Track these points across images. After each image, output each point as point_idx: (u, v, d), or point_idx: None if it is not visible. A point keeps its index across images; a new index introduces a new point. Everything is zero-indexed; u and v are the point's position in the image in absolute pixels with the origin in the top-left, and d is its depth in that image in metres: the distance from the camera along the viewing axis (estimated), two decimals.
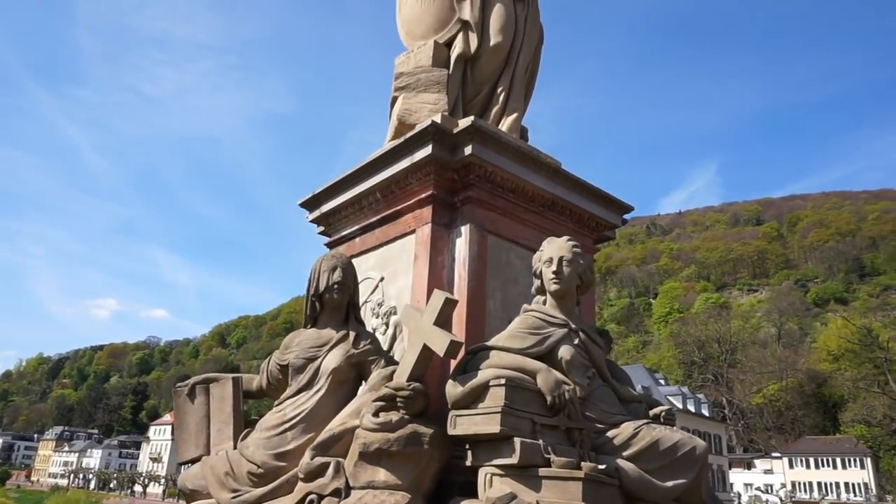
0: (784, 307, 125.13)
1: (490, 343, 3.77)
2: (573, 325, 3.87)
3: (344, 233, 5.28)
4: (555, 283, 3.87)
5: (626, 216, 5.51)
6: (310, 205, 5.48)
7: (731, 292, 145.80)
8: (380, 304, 4.79)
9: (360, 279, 4.52)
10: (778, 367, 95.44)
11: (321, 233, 5.59)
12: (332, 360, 4.06)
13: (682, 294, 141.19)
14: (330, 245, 5.45)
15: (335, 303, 4.19)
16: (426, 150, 4.33)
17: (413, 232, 4.60)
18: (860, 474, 69.83)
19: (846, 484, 69.69)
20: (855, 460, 70.97)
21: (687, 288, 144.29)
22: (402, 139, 4.54)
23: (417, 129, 4.45)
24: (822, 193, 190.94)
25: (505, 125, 5.15)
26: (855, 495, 67.16)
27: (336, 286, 4.13)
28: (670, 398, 61.82)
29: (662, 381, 75.38)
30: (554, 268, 3.87)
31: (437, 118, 4.58)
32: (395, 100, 5.19)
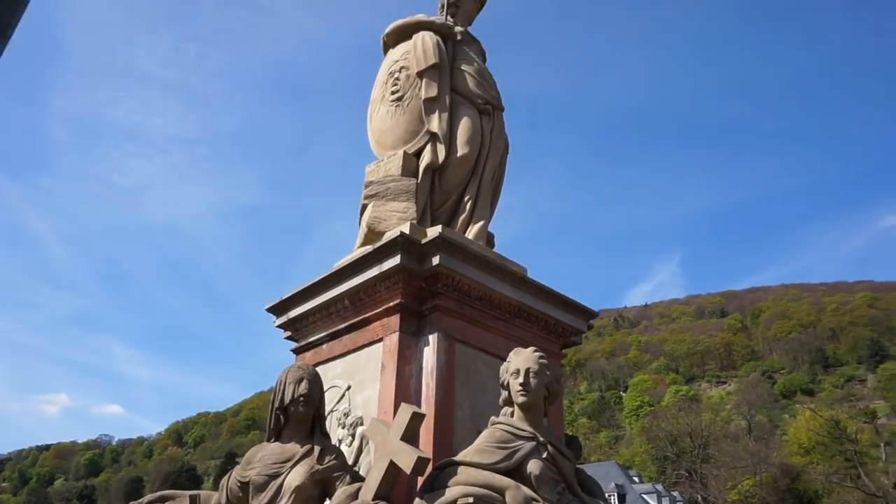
0: (753, 399, 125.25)
1: (458, 458, 3.69)
2: (541, 438, 3.82)
3: (311, 339, 5.23)
4: (522, 395, 3.86)
5: (591, 320, 5.60)
6: (277, 310, 5.45)
7: (700, 384, 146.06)
8: (346, 414, 4.68)
9: (326, 387, 4.44)
10: (751, 461, 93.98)
11: (288, 338, 5.52)
12: (295, 477, 3.90)
13: (653, 387, 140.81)
14: (296, 351, 5.38)
15: (300, 416, 4.08)
16: (395, 260, 4.40)
17: (381, 340, 4.59)
18: None
19: None
20: None
21: (657, 380, 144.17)
22: (371, 248, 4.61)
23: (387, 238, 4.54)
24: (781, 286, 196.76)
25: (472, 233, 5.29)
26: None
27: (302, 399, 4.04)
28: (645, 497, 60.22)
29: (636, 479, 73.65)
30: (521, 379, 3.87)
31: (406, 227, 4.69)
32: (364, 207, 5.31)
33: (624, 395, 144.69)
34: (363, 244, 5.15)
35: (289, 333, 5.52)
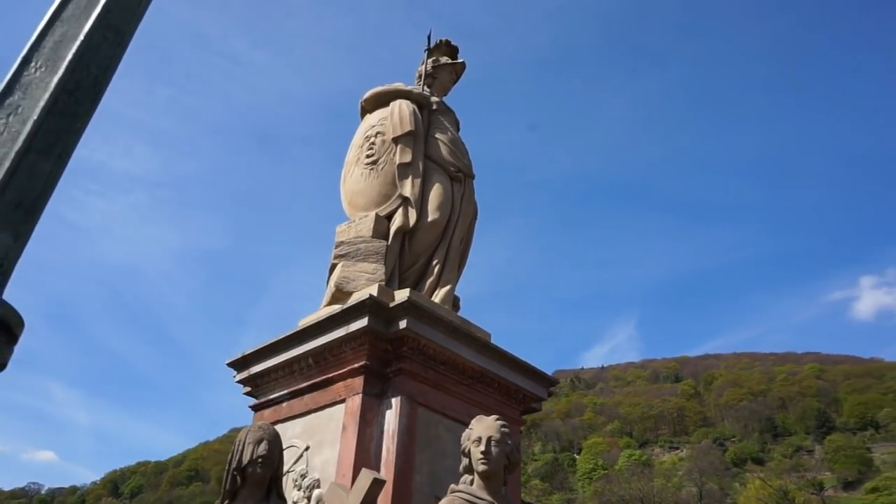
0: (704, 466, 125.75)
1: None
2: None
3: (271, 396, 5.17)
4: (483, 463, 3.89)
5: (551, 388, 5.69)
6: (238, 365, 5.39)
7: (653, 449, 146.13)
8: (303, 476, 4.60)
9: (284, 447, 4.39)
10: None
11: (247, 393, 5.45)
12: None
13: (607, 450, 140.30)
14: (255, 407, 5.31)
15: (258, 477, 4.01)
16: (362, 322, 4.45)
17: (343, 401, 4.58)
18: None
19: None
20: None
21: (611, 444, 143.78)
22: (339, 308, 4.66)
23: (355, 300, 4.59)
24: (733, 354, 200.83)
25: (438, 296, 5.38)
26: None
27: (260, 460, 3.98)
28: None
29: None
30: (483, 448, 3.91)
31: (374, 290, 4.76)
32: (334, 266, 5.37)
33: (578, 457, 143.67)
34: (330, 303, 5.18)
35: (248, 389, 5.45)
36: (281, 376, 5.11)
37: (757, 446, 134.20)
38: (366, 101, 6.25)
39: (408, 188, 5.59)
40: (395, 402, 4.45)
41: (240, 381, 5.44)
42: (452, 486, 3.95)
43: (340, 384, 4.66)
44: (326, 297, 5.28)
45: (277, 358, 5.03)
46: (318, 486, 4.49)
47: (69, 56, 0.93)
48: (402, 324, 4.46)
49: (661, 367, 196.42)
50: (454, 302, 5.73)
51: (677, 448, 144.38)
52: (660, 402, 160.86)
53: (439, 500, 3.90)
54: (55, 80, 0.92)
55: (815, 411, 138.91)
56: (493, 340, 5.36)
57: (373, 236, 5.36)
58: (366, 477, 3.66)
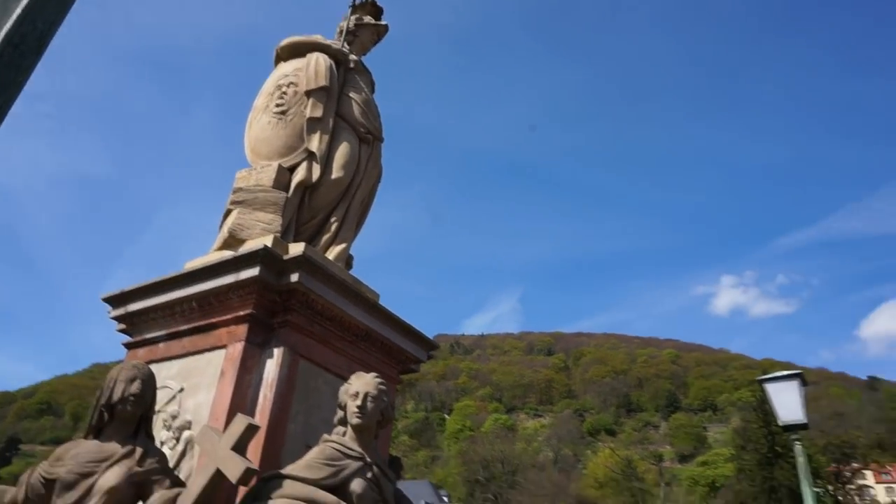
0: (563, 434, 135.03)
1: (285, 471, 3.82)
2: (369, 459, 4.06)
3: (148, 336, 5.07)
4: (358, 417, 4.09)
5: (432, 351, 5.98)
6: (115, 301, 5.22)
7: (518, 415, 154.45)
8: (174, 417, 4.60)
9: (158, 387, 4.36)
10: (552, 490, 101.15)
11: (122, 331, 5.30)
12: (110, 477, 3.79)
13: (476, 412, 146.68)
14: (130, 346, 5.18)
15: (127, 415, 3.98)
16: (253, 271, 4.46)
17: (224, 347, 4.59)
18: None
19: None
20: None
21: (480, 407, 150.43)
22: (231, 255, 4.63)
23: (248, 248, 4.58)
24: (603, 334, 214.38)
25: (333, 254, 5.47)
26: None
27: (132, 398, 3.94)
28: None
29: (446, 499, 75.92)
30: (359, 402, 4.10)
31: (269, 241, 4.77)
32: (229, 212, 5.29)
33: (448, 417, 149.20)
34: (221, 248, 5.12)
35: (123, 327, 5.30)
36: (160, 317, 5.02)
37: (612, 419, 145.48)
38: (282, 48, 6.10)
39: (315, 143, 5.57)
40: (278, 352, 4.53)
41: (115, 318, 5.27)
42: (325, 435, 4.13)
43: (223, 330, 4.66)
44: (218, 242, 5.21)
45: (159, 298, 4.93)
46: (189, 428, 4.51)
47: (18, 10, 0.95)
48: (294, 277, 4.52)
49: (536, 340, 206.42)
50: (348, 261, 5.83)
51: (541, 416, 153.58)
52: (531, 372, 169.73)
53: (311, 448, 4.07)
54: (2, 33, 0.94)
55: (666, 392, 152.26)
56: (381, 301, 5.54)
57: (273, 186, 5.32)
58: (240, 421, 3.75)
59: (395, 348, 5.49)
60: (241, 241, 4.98)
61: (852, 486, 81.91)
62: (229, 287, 4.59)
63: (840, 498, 77.83)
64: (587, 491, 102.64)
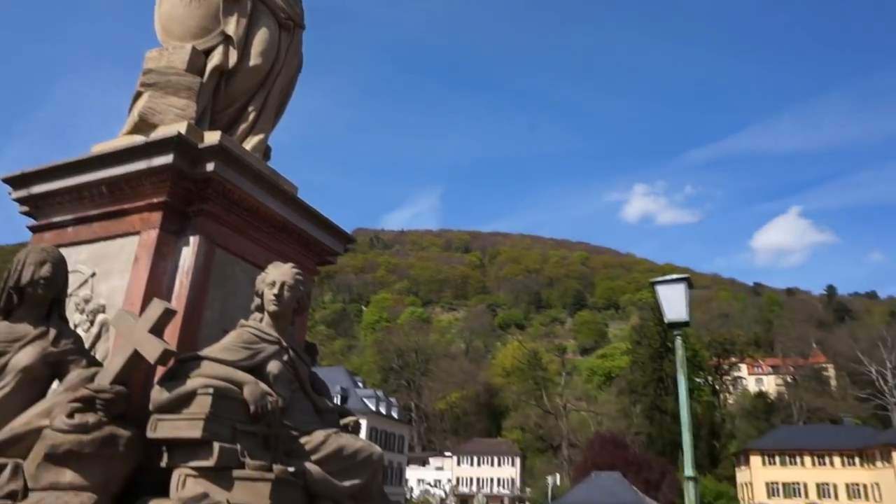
0: (475, 327, 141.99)
1: (203, 353, 4.00)
2: (285, 344, 4.30)
3: (55, 219, 4.95)
4: (274, 304, 4.28)
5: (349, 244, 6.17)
6: (16, 183, 5.00)
7: (434, 309, 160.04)
8: (87, 301, 4.63)
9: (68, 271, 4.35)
10: (462, 378, 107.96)
11: (25, 213, 5.13)
12: (24, 357, 3.86)
13: (392, 305, 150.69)
14: (35, 229, 5.05)
15: (38, 298, 3.98)
16: (166, 159, 4.39)
17: (137, 233, 4.57)
18: (511, 471, 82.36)
19: (499, 479, 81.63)
20: (508, 459, 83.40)
21: (397, 300, 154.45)
22: (143, 140, 4.51)
23: (161, 134, 4.48)
24: (519, 235, 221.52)
25: (250, 144, 5.41)
26: (504, 489, 78.96)
27: (42, 281, 3.94)
28: (366, 400, 65.39)
29: (361, 384, 79.25)
30: (276, 291, 4.28)
31: (184, 127, 4.67)
32: (139, 94, 5.07)
33: (365, 309, 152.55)
34: (132, 132, 4.96)
35: (27, 209, 5.13)
36: (68, 201, 4.88)
37: (522, 315, 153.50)
38: None
39: (232, 26, 5.33)
40: (194, 240, 4.57)
41: (17, 200, 5.08)
42: (242, 321, 4.32)
43: (136, 217, 4.63)
44: (128, 126, 5.03)
45: (66, 181, 4.77)
46: (104, 312, 4.56)
47: None
48: (210, 166, 4.49)
49: (455, 237, 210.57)
50: (266, 152, 5.78)
51: (455, 310, 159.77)
52: (448, 268, 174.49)
53: (228, 333, 4.25)
54: None
55: (574, 291, 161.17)
56: (300, 194, 5.60)
57: (187, 70, 5.11)
58: (157, 306, 3.86)
59: (313, 241, 5.62)
60: (153, 126, 4.84)
61: (728, 378, 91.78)
62: (141, 173, 4.51)
63: (717, 387, 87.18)
64: (495, 379, 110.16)
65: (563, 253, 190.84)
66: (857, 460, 65.51)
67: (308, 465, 3.95)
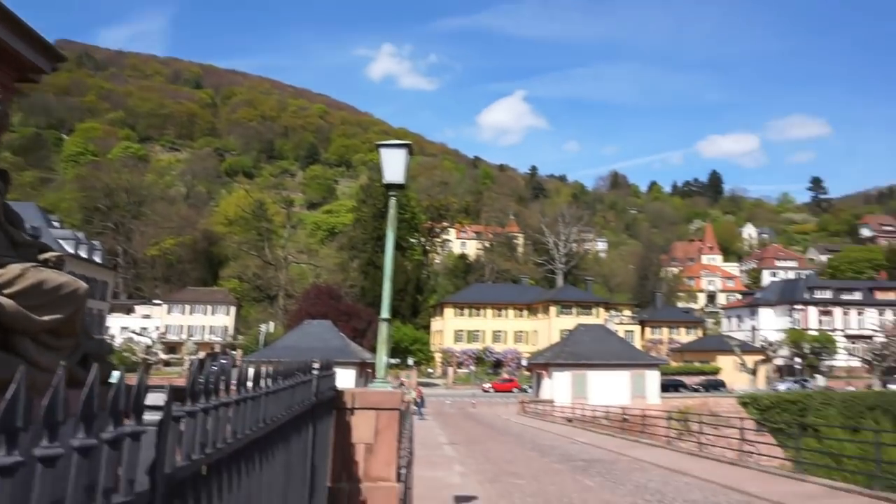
0: (199, 171, 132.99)
1: None
2: None
3: None
4: None
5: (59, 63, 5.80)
6: None
7: (153, 147, 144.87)
8: None
9: None
10: (179, 224, 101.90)
11: None
12: None
13: (102, 137, 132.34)
14: None
15: None
16: None
17: None
18: (225, 319, 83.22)
19: (212, 327, 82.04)
20: (223, 308, 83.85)
21: (108, 132, 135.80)
22: None
23: None
24: (258, 77, 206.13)
25: None
26: (217, 336, 79.99)
27: None
28: (62, 241, 58.66)
29: (57, 224, 70.45)
30: None
31: None
32: None
33: (66, 138, 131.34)
34: None
35: None
36: None
37: (251, 163, 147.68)
38: None
39: None
40: None
41: None
42: None
43: None
44: None
45: None
46: None
47: None
48: None
49: (184, 69, 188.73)
50: None
51: (178, 150, 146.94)
52: (174, 103, 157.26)
53: None
54: None
55: (309, 144, 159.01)
56: None
57: None
58: None
59: (13, 54, 5.23)
60: None
61: (438, 240, 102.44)
62: None
63: (428, 247, 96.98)
64: (216, 227, 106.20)
65: (303, 103, 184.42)
66: (525, 313, 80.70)
67: (2, 298, 3.78)
